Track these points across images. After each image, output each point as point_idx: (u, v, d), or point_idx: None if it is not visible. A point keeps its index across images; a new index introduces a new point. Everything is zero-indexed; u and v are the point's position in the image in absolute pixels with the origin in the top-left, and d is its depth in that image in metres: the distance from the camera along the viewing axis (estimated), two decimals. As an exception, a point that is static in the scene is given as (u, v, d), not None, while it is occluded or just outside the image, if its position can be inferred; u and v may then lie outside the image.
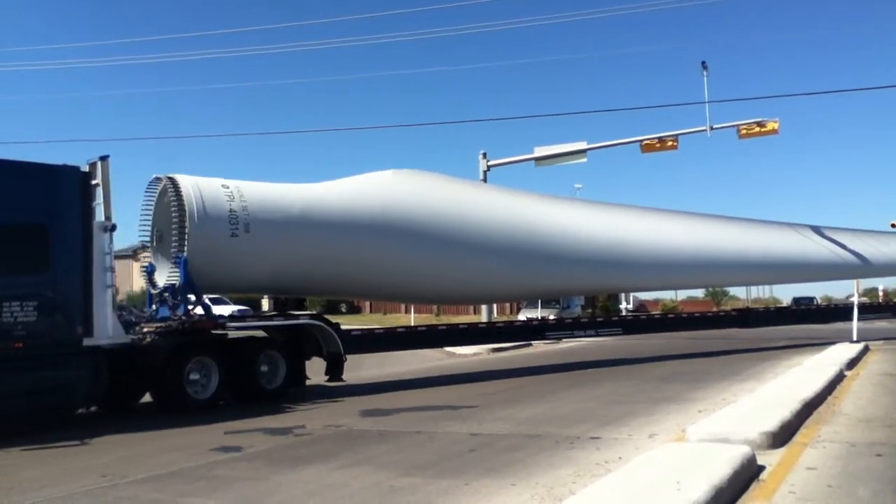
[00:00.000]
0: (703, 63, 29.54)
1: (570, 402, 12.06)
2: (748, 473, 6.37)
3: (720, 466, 6.10)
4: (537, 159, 29.99)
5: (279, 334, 14.44)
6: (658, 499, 5.31)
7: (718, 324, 23.06)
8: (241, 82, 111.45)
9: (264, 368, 13.40)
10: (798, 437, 8.23)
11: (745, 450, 6.73)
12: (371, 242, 14.87)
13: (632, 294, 55.57)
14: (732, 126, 28.83)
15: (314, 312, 18.16)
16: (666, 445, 7.54)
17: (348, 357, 14.82)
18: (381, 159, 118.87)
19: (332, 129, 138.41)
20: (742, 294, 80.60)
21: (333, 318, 53.99)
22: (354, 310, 59.47)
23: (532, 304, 36.08)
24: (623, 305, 52.84)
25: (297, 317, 15.57)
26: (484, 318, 28.34)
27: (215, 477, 7.62)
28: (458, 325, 19.76)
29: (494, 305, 33.45)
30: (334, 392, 14.42)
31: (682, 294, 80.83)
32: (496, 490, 6.52)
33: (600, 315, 23.07)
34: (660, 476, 5.94)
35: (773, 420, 8.18)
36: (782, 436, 7.96)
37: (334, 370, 14.51)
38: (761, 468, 6.73)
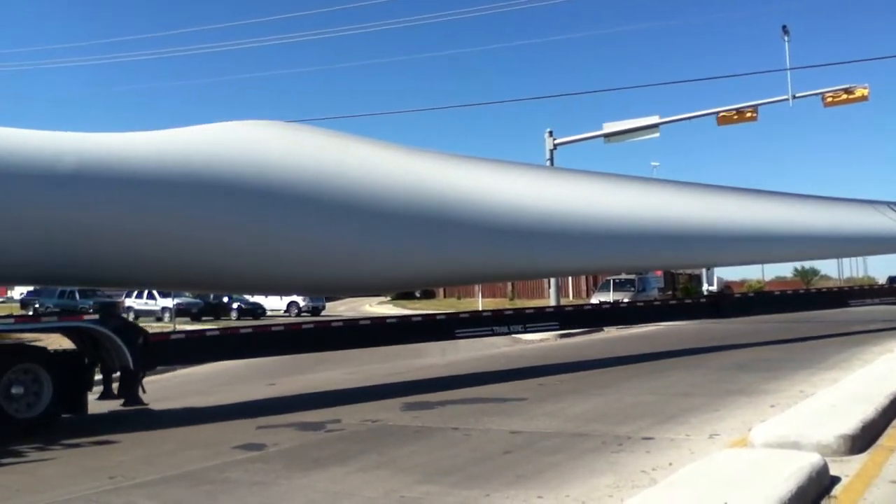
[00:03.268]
0: (784, 27, 27.70)
1: (629, 395, 11.09)
2: (817, 489, 5.37)
3: (782, 482, 5.12)
4: (606, 135, 28.70)
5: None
6: (697, 525, 4.40)
7: (691, 313, 20.02)
8: (272, 70, 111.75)
9: (16, 390, 9.88)
10: (884, 440, 7.09)
11: (814, 459, 5.70)
12: (194, 211, 10.92)
13: (716, 275, 53.43)
14: (817, 94, 26.91)
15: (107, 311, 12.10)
16: (723, 452, 6.55)
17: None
18: (438, 142, 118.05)
19: (387, 112, 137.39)
20: (834, 273, 76.88)
21: (407, 304, 53.96)
22: (428, 294, 59.14)
23: (604, 288, 34.82)
24: (706, 287, 50.69)
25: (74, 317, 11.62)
26: (552, 302, 27.40)
27: (224, 480, 7.05)
28: (358, 321, 15.12)
29: (556, 288, 31.86)
30: (385, 382, 13.88)
31: (770, 273, 77.65)
32: (518, 504, 5.71)
33: (570, 306, 18.62)
34: (707, 492, 5.02)
35: (854, 420, 7.07)
36: (864, 439, 6.85)
37: (125, 389, 11.19)
38: (835, 480, 5.70)
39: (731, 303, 20.08)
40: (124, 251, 10.77)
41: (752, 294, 23.06)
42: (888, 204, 20.38)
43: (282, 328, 13.26)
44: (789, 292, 25.90)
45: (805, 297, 22.75)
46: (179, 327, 23.11)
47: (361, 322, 14.57)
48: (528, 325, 15.54)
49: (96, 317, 10.90)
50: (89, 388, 11.01)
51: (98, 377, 11.38)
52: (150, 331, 12.44)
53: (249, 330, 13.25)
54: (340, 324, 14.24)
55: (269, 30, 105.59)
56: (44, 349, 10.81)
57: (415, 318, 15.58)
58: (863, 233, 19.57)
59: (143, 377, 11.28)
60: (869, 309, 23.25)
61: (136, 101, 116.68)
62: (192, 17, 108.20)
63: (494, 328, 14.94)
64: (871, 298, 21.54)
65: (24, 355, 10.44)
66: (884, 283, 41.53)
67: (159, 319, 36.45)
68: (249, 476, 7.18)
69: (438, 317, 15.44)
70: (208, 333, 12.75)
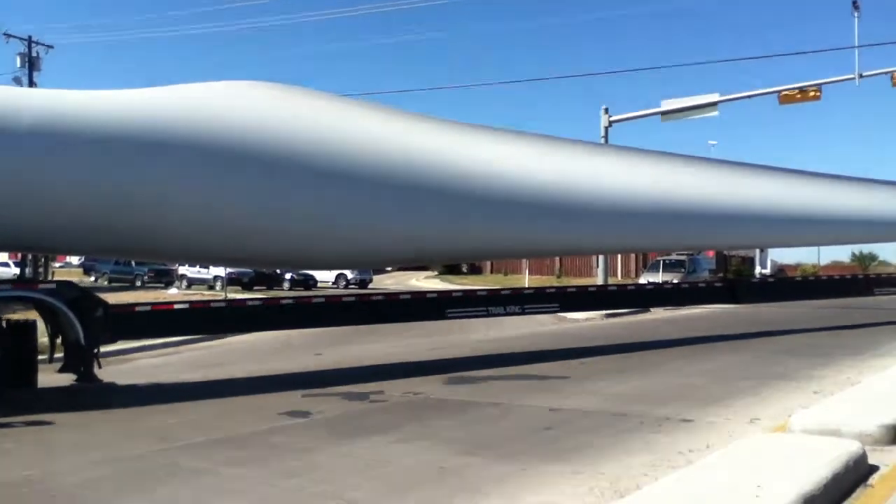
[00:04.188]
0: (855, 2, 26.75)
1: (672, 376, 11.06)
2: (854, 476, 5.34)
3: (818, 468, 5.12)
4: (663, 113, 28.22)
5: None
6: (728, 507, 4.45)
7: (705, 297, 19.35)
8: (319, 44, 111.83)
9: None
10: (929, 431, 6.99)
11: (854, 447, 5.67)
12: (156, 174, 10.10)
13: (769, 258, 52.42)
14: (886, 73, 26.05)
15: (64, 281, 12.17)
16: (762, 436, 6.55)
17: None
18: (490, 117, 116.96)
19: (441, 88, 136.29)
20: (893, 258, 74.72)
21: (454, 279, 53.68)
22: (476, 270, 59.27)
23: (654, 268, 34.46)
24: (758, 270, 49.84)
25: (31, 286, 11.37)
26: (600, 280, 27.27)
27: (269, 445, 7.30)
28: (370, 295, 14.86)
29: (605, 266, 31.15)
30: (430, 356, 14.07)
31: (826, 258, 75.77)
32: (554, 479, 5.80)
33: (551, 288, 16.66)
34: (742, 476, 5.04)
35: (898, 410, 6.98)
36: (908, 429, 6.76)
37: (74, 364, 10.51)
38: (873, 469, 5.66)
39: (746, 288, 19.37)
40: (76, 216, 9.97)
41: (771, 279, 21.73)
42: None
43: (259, 303, 13.02)
44: (811, 278, 25.18)
45: (828, 283, 21.88)
46: (231, 296, 23.67)
47: (345, 299, 13.68)
48: (525, 307, 14.50)
49: (52, 286, 10.44)
50: (33, 362, 10.50)
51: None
52: (153, 301, 12.50)
53: (222, 304, 12.91)
54: (322, 300, 13.69)
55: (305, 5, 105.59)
56: None
57: (402, 297, 14.43)
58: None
59: (98, 352, 10.59)
60: None
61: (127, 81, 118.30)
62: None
63: (490, 308, 14.04)
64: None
65: None
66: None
67: (211, 287, 37.26)
68: (294, 442, 7.42)
69: (428, 295, 14.57)
70: (176, 306, 12.27)
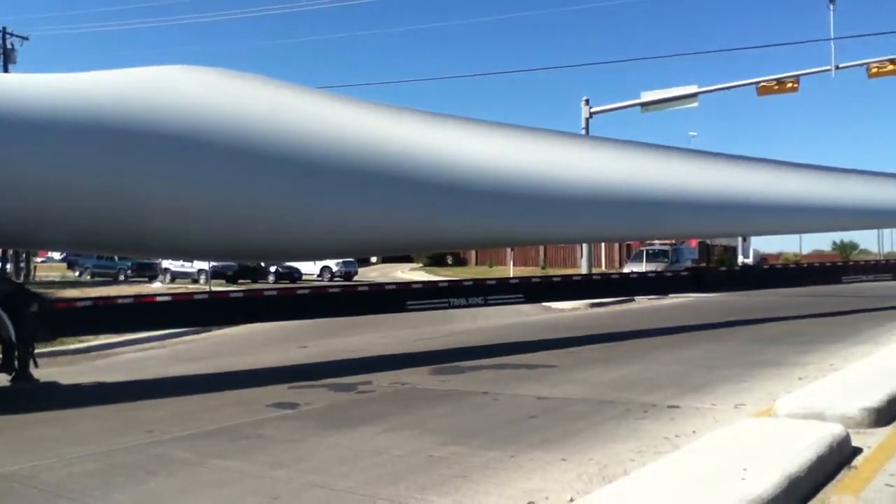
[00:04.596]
0: (830, -6, 27.00)
1: (658, 364, 11.14)
2: (837, 458, 5.42)
3: (802, 450, 5.19)
4: (643, 104, 28.37)
5: None
6: (716, 490, 4.50)
7: (671, 287, 19.26)
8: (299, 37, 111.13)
9: None
10: (910, 414, 7.10)
11: (837, 430, 5.76)
12: (87, 160, 9.58)
13: (751, 247, 52.80)
14: (862, 64, 26.31)
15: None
16: (747, 421, 6.63)
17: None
18: (474, 109, 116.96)
19: (421, 80, 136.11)
20: (874, 246, 75.52)
21: (438, 271, 53.82)
22: (461, 261, 59.36)
23: (637, 258, 34.66)
24: (741, 259, 50.16)
25: None
26: (584, 270, 27.38)
27: (259, 436, 7.30)
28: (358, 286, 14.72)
29: (590, 256, 31.14)
30: (416, 346, 14.10)
31: (808, 246, 76.55)
32: (542, 466, 5.85)
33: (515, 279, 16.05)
34: (728, 459, 5.10)
35: (880, 392, 7.07)
36: (889, 412, 6.85)
37: (8, 362, 9.99)
38: (857, 451, 5.75)
39: (712, 276, 19.32)
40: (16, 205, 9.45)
41: (736, 268, 21.56)
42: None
43: (205, 296, 12.57)
44: (778, 266, 25.41)
45: (794, 272, 22.15)
46: (215, 289, 23.59)
47: (299, 292, 13.39)
48: (488, 298, 14.12)
49: None
50: None
51: None
52: (130, 294, 12.13)
53: (168, 298, 12.23)
54: (274, 293, 13.13)
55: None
56: None
57: (360, 289, 14.03)
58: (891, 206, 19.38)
59: (33, 350, 10.22)
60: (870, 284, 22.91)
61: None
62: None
63: (451, 300, 13.71)
64: (866, 274, 20.87)
65: None
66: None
67: (195, 281, 37.09)
68: (283, 433, 7.42)
69: (387, 287, 14.15)
70: (120, 301, 11.87)
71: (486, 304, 14.23)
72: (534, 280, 16.02)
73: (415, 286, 14.15)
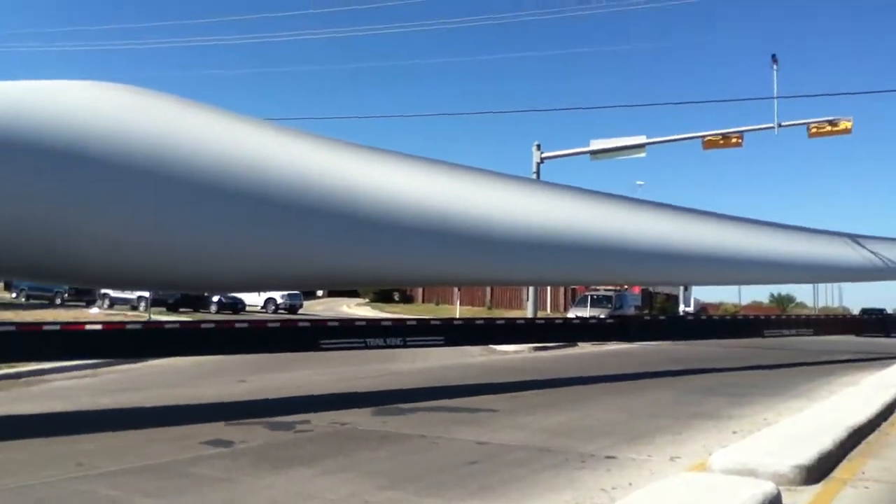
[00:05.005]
0: (773, 56, 28.26)
1: (598, 411, 11.22)
2: (768, 517, 5.50)
3: (734, 507, 5.26)
4: (593, 152, 29.00)
5: None
6: (649, 546, 4.52)
7: (597, 334, 19.03)
8: (256, 68, 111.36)
9: None
10: (839, 472, 7.25)
11: (768, 488, 5.84)
12: None
13: (692, 297, 53.87)
14: (802, 124, 27.40)
15: None
16: (681, 475, 6.68)
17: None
18: (426, 149, 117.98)
19: (373, 116, 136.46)
20: (809, 301, 77.76)
21: (385, 307, 53.62)
22: (407, 299, 59.21)
23: (582, 303, 35.02)
24: (682, 308, 51.14)
25: None
26: (529, 313, 27.55)
27: (189, 475, 7.10)
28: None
29: (533, 299, 31.48)
30: (357, 385, 13.96)
31: (746, 298, 78.41)
32: (478, 515, 5.81)
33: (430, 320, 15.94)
34: (662, 514, 5.14)
35: (811, 451, 7.22)
36: (820, 470, 7.01)
37: None
38: (787, 509, 5.85)
39: (638, 325, 19.43)
40: None
41: (662, 318, 21.91)
42: (850, 236, 21.45)
43: (99, 327, 11.75)
44: (703, 317, 26.24)
45: (719, 324, 22.84)
46: (155, 317, 23.07)
47: (204, 326, 12.75)
48: (407, 339, 13.70)
49: None
50: None
51: None
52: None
53: (98, 327, 11.57)
54: (177, 325, 12.47)
55: (253, 28, 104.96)
56: None
57: (271, 325, 13.31)
58: (823, 262, 20.39)
59: None
60: (831, 339, 23.69)
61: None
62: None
63: (368, 340, 13.26)
64: (788, 329, 21.52)
65: None
66: (857, 313, 42.09)
67: (135, 308, 36.24)
68: (215, 472, 7.24)
69: (300, 324, 13.57)
70: (46, 328, 11.19)
71: (404, 346, 13.86)
72: (455, 322, 15.66)
73: (330, 324, 13.64)
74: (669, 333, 20.66)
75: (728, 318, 26.60)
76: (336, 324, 13.68)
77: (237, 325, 13.23)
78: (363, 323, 14.07)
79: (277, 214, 10.84)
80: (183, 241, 10.36)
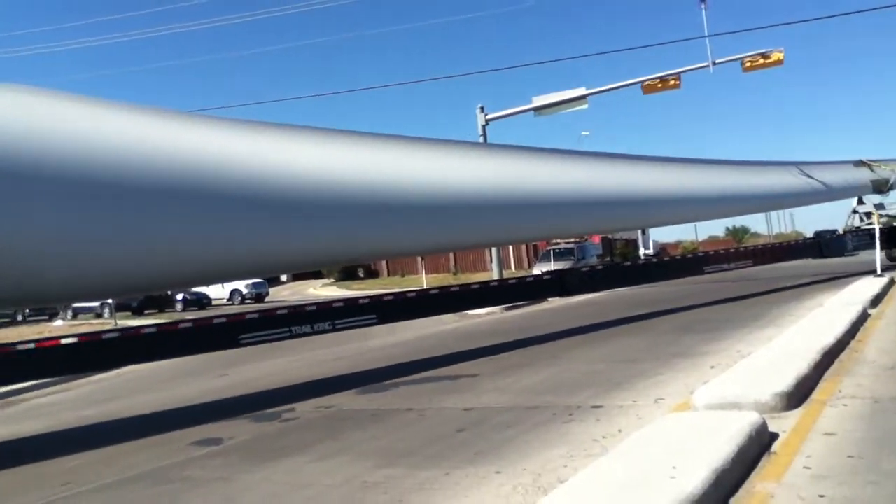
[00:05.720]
0: (700, -3, 28.37)
1: (578, 364, 11.38)
2: (757, 447, 5.66)
3: (724, 443, 5.39)
4: (536, 109, 29.06)
5: None
6: (648, 492, 4.63)
7: (535, 292, 19.34)
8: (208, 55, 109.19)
9: None
10: (817, 394, 7.49)
11: (753, 418, 6.01)
12: None
13: (651, 239, 54.57)
14: (736, 59, 27.78)
15: None
16: (668, 416, 6.84)
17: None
18: (372, 121, 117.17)
19: (315, 95, 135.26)
20: (764, 230, 79.36)
21: (351, 285, 53.43)
22: (372, 274, 59.11)
23: (545, 258, 35.33)
24: (642, 251, 51.78)
25: None
26: (495, 274, 27.74)
27: (184, 479, 7.07)
28: None
29: (500, 259, 31.77)
30: (335, 367, 13.97)
31: (703, 234, 79.76)
32: (477, 481, 5.88)
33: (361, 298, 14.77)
34: (656, 459, 5.25)
35: (788, 377, 7.44)
36: (799, 394, 7.23)
37: None
38: (774, 437, 6.03)
39: (576, 279, 19.16)
40: None
41: (599, 268, 22.03)
42: (796, 164, 22.14)
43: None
44: (640, 262, 26.68)
45: (656, 266, 22.96)
46: (121, 323, 22.76)
47: (105, 336, 11.70)
48: (336, 322, 13.21)
49: None
50: None
51: None
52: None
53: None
54: (74, 340, 11.19)
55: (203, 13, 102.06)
56: None
57: (182, 326, 12.41)
58: (772, 191, 21.06)
59: None
60: (791, 264, 24.38)
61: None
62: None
63: (293, 329, 12.70)
64: (727, 263, 21.69)
65: None
66: (810, 236, 43.09)
67: (99, 315, 35.68)
68: (209, 472, 7.21)
69: (215, 321, 12.63)
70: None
71: (334, 330, 13.29)
72: (386, 298, 15.03)
73: (249, 316, 12.86)
74: (608, 283, 20.51)
75: (666, 259, 27.25)
76: (255, 316, 12.90)
77: (143, 330, 12.02)
78: (285, 311, 13.25)
79: (199, 202, 9.84)
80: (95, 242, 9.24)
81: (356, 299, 14.90)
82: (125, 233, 9.38)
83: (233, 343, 12.23)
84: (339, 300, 14.96)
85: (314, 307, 13.67)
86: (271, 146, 11.08)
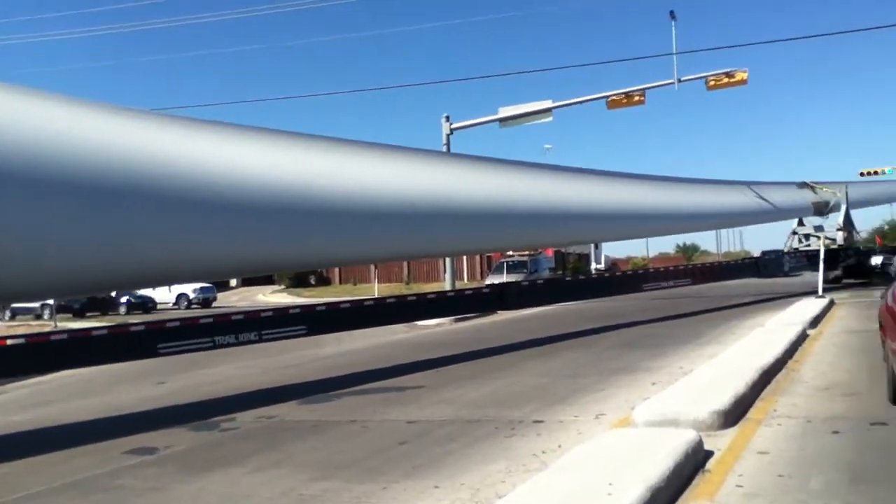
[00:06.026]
0: (672, 12, 28.88)
1: (522, 377, 11.43)
2: (692, 465, 5.73)
3: (661, 460, 5.45)
4: (501, 120, 29.26)
5: None
6: (583, 508, 4.65)
7: (474, 306, 19.20)
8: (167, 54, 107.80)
9: None
10: (753, 413, 7.63)
11: (690, 436, 6.09)
12: None
13: (603, 253, 55.25)
14: (701, 77, 28.29)
15: None
16: (608, 433, 6.90)
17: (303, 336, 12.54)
18: (338, 128, 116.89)
19: (283, 98, 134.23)
20: (713, 248, 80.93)
21: (302, 292, 52.73)
22: (324, 281, 58.68)
23: (498, 270, 35.48)
24: (594, 266, 52.36)
25: None
26: (448, 285, 27.74)
27: (116, 488, 6.89)
28: None
29: (453, 270, 31.85)
30: (281, 376, 13.79)
31: (654, 250, 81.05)
32: (415, 496, 5.84)
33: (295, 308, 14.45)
34: (593, 475, 5.29)
35: (726, 396, 7.57)
36: (735, 413, 7.36)
37: None
38: (709, 454, 6.11)
39: (516, 293, 19.34)
40: None
41: (540, 282, 22.03)
42: (747, 184, 22.72)
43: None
44: (581, 278, 26.89)
45: (597, 282, 23.40)
46: (61, 325, 22.19)
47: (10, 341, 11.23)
48: (263, 333, 12.70)
49: None
50: None
51: None
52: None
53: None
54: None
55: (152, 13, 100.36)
56: None
57: (96, 333, 11.86)
58: (725, 210, 21.63)
59: None
60: (735, 283, 24.94)
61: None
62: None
63: (216, 339, 12.18)
64: (666, 281, 21.87)
65: None
66: (757, 255, 43.99)
67: (38, 317, 34.75)
68: (142, 482, 7.05)
69: (133, 328, 12.23)
70: None
71: (260, 340, 12.80)
72: (318, 308, 14.69)
73: (170, 324, 12.41)
74: (548, 297, 20.60)
75: (606, 275, 27.81)
76: (177, 324, 12.41)
77: (52, 337, 11.68)
78: (209, 320, 12.71)
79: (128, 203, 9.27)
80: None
81: (286, 308, 14.54)
82: (55, 231, 8.88)
83: (151, 352, 11.74)
84: (267, 310, 14.57)
85: (241, 316, 13.05)
86: (213, 146, 10.64)
